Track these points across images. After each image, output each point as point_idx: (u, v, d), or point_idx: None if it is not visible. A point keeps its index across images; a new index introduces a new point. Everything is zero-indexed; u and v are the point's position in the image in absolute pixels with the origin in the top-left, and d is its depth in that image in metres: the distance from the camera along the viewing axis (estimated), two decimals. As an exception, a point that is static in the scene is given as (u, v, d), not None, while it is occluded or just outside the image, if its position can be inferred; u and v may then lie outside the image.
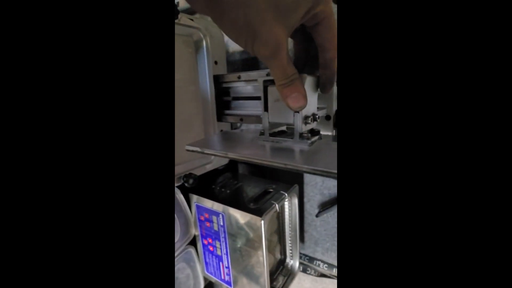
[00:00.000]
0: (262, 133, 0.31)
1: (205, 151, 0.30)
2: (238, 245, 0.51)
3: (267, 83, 0.29)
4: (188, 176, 0.45)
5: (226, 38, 0.64)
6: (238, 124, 0.62)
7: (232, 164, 0.71)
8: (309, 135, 0.30)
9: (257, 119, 0.44)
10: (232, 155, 0.27)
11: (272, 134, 0.32)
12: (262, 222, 0.45)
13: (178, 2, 0.69)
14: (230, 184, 0.60)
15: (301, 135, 0.29)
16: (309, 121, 0.28)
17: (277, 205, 0.49)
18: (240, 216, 0.48)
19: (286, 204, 0.56)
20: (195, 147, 0.31)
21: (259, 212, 0.46)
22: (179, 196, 0.53)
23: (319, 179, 0.58)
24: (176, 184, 0.49)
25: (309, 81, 0.28)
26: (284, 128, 0.35)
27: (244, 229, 0.49)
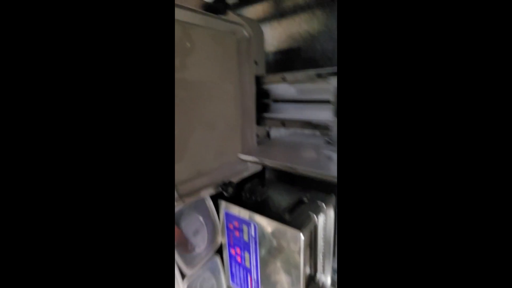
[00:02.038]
0: (329, 143, 0.28)
1: (266, 163, 0.26)
2: (270, 259, 0.48)
3: None
4: (227, 184, 0.42)
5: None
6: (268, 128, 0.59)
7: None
8: None
9: (301, 123, 0.41)
10: (304, 170, 0.24)
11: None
12: (302, 236, 0.42)
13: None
14: (259, 191, 0.57)
15: None
16: None
17: (316, 217, 0.45)
18: (275, 228, 0.45)
19: (321, 215, 0.53)
20: (251, 157, 0.27)
21: (298, 225, 0.43)
22: (208, 202, 0.50)
23: (355, 189, 0.54)
24: (213, 193, 0.46)
25: None
26: None
27: (279, 242, 0.45)
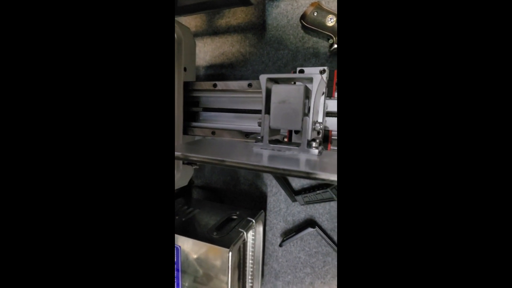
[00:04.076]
0: (258, 140, 0.27)
1: (191, 157, 0.23)
2: (192, 286, 0.42)
3: (271, 82, 0.26)
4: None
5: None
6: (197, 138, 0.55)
7: (185, 188, 0.62)
8: (319, 142, 0.27)
9: (232, 133, 0.40)
10: (232, 162, 0.22)
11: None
12: (230, 254, 0.38)
13: None
14: (184, 211, 0.51)
15: (309, 143, 0.26)
16: (318, 127, 0.26)
17: (245, 233, 0.43)
18: (201, 249, 0.40)
19: (250, 232, 0.51)
20: (176, 153, 0.24)
21: (225, 243, 0.39)
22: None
23: (283, 205, 0.55)
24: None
25: (317, 79, 0.26)
26: (278, 137, 0.32)
27: (203, 264, 0.40)
